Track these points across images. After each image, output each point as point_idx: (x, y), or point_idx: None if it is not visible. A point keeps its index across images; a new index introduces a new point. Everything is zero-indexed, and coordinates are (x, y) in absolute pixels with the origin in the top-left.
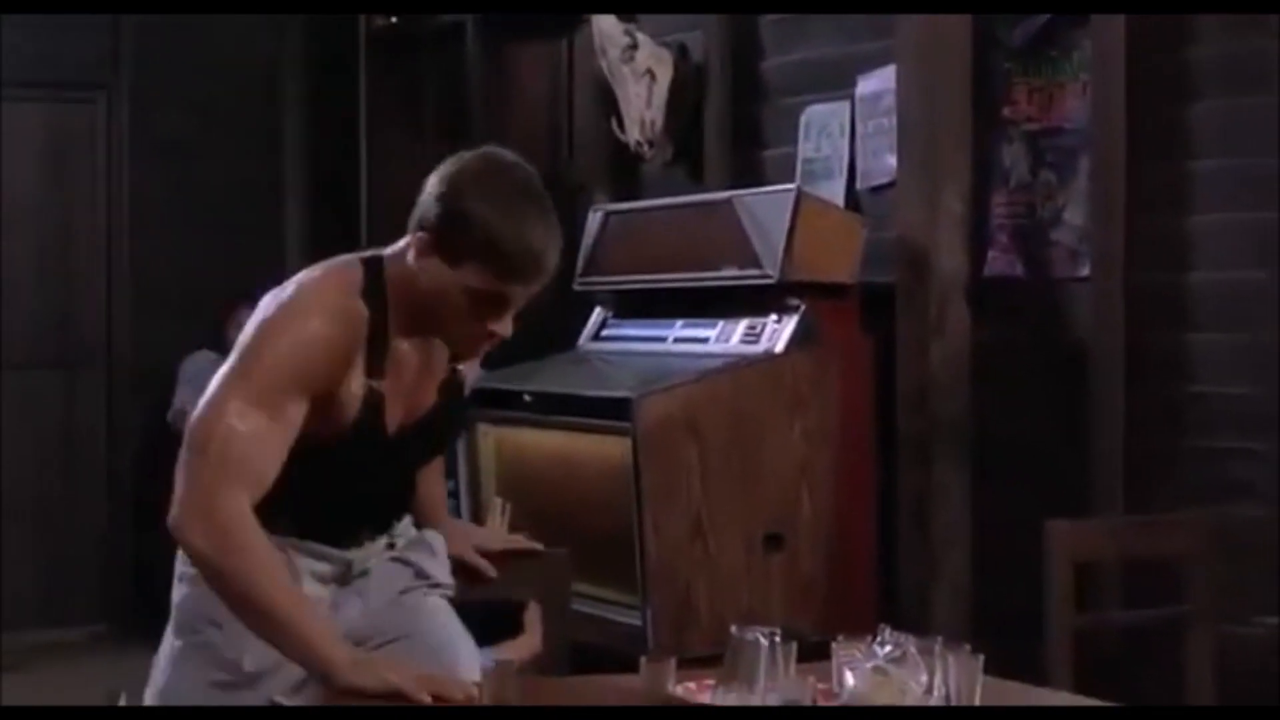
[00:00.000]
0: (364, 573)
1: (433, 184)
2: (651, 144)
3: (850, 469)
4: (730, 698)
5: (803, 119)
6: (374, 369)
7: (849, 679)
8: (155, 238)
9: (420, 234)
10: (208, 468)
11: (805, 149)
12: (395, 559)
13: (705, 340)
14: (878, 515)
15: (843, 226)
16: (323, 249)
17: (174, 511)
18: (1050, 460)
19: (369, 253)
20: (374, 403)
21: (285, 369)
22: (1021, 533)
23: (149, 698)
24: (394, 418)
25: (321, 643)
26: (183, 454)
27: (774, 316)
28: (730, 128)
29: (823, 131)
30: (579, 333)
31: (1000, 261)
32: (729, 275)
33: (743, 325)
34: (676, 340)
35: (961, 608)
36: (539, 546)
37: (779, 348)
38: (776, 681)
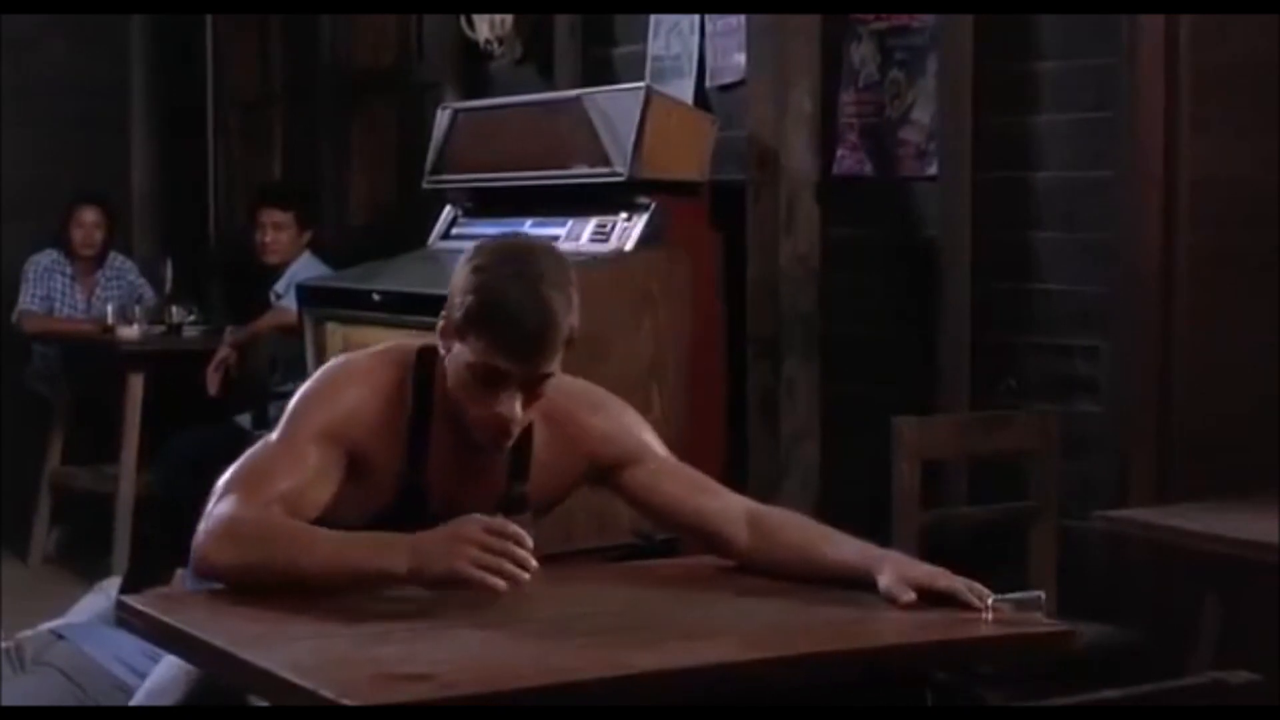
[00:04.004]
0: None
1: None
2: (501, 41)
3: (700, 367)
4: None
5: (652, 17)
6: (416, 458)
7: None
8: None
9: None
10: (221, 498)
11: (655, 47)
12: None
13: (555, 239)
14: (727, 412)
15: (692, 125)
16: (168, 150)
17: (193, 548)
18: (898, 357)
19: (429, 343)
20: (415, 490)
21: (315, 418)
22: (870, 429)
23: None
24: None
25: (372, 563)
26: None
27: (624, 215)
28: (580, 25)
29: (673, 30)
30: (429, 231)
31: (849, 160)
32: (579, 173)
33: (592, 224)
34: None
35: (811, 503)
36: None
37: (629, 246)
38: None
